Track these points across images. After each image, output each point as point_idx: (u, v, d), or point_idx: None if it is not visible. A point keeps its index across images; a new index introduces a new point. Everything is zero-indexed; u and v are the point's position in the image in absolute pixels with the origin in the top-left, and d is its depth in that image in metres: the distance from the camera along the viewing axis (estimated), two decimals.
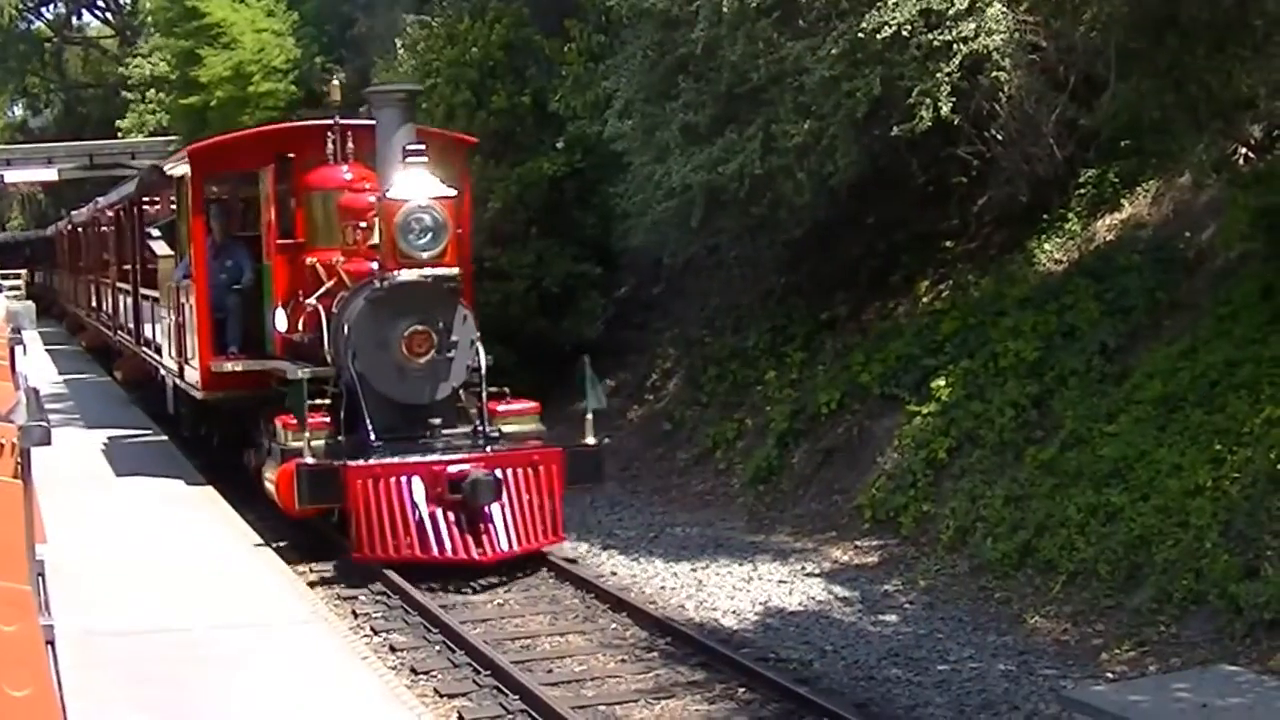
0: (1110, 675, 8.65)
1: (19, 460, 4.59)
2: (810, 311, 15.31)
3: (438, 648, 9.76)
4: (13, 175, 44.92)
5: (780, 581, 11.29)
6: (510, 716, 8.44)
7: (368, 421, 11.88)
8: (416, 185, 11.96)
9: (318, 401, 11.93)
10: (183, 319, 15.08)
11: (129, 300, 20.87)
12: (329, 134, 13.72)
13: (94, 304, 27.81)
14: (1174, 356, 10.86)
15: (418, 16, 20.68)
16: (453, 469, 11.45)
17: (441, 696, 8.81)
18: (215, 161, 14.85)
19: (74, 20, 57.59)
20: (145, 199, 19.88)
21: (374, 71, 23.96)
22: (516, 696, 8.61)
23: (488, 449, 11.90)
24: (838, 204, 14.36)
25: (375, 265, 12.36)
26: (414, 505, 11.32)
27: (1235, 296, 10.88)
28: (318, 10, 27.89)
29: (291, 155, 13.92)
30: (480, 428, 12.12)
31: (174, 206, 16.27)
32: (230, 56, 26.61)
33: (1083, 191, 13.26)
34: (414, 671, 9.27)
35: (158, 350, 17.53)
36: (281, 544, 12.01)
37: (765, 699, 8.58)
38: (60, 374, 24.70)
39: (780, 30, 12.50)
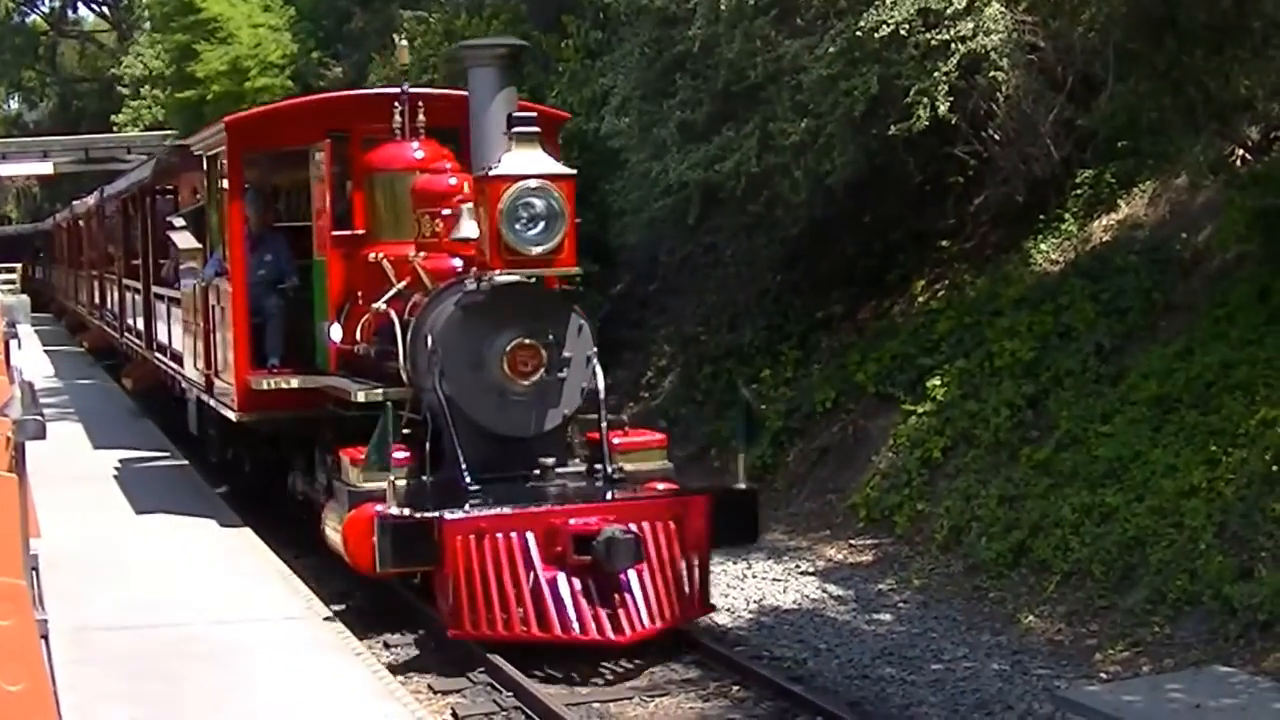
0: (1104, 676, 8.65)
1: (13, 454, 4.59)
2: (806, 310, 15.31)
3: (432, 645, 9.75)
4: (8, 169, 44.96)
5: (774, 580, 11.29)
6: (504, 713, 8.42)
7: (460, 459, 9.62)
8: (525, 162, 9.61)
9: None
10: (212, 324, 12.91)
11: (139, 298, 19.05)
12: (395, 105, 11.52)
13: (98, 301, 26.16)
14: (1169, 357, 10.86)
15: (414, 12, 20.68)
16: (576, 521, 9.06)
17: (435, 693, 8.79)
18: (256, 136, 12.40)
19: (70, 14, 57.69)
20: (159, 187, 18.34)
21: (371, 68, 23.99)
22: (510, 693, 8.60)
23: (610, 495, 9.60)
24: (834, 202, 14.36)
25: (459, 262, 10.42)
26: (530, 569, 9.00)
27: (1231, 298, 10.88)
28: (314, 5, 27.93)
29: (348, 130, 11.85)
30: (602, 467, 9.91)
31: (199, 190, 14.09)
32: (227, 51, 26.67)
33: (1079, 192, 13.25)
34: (408, 668, 9.26)
35: (177, 359, 15.20)
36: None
37: (759, 697, 8.56)
38: (61, 379, 23.18)
39: (778, 28, 12.49)
